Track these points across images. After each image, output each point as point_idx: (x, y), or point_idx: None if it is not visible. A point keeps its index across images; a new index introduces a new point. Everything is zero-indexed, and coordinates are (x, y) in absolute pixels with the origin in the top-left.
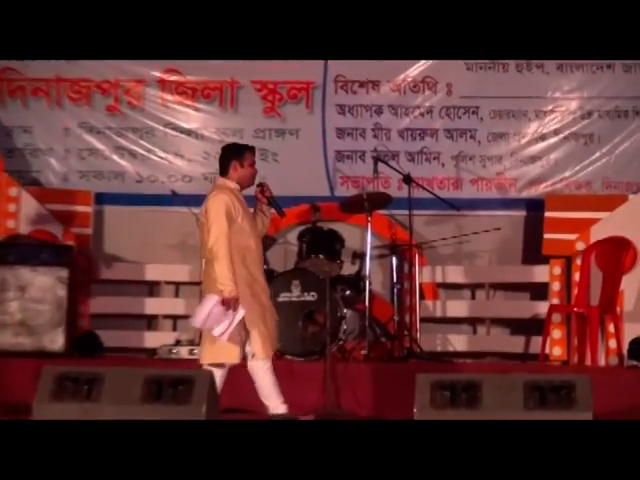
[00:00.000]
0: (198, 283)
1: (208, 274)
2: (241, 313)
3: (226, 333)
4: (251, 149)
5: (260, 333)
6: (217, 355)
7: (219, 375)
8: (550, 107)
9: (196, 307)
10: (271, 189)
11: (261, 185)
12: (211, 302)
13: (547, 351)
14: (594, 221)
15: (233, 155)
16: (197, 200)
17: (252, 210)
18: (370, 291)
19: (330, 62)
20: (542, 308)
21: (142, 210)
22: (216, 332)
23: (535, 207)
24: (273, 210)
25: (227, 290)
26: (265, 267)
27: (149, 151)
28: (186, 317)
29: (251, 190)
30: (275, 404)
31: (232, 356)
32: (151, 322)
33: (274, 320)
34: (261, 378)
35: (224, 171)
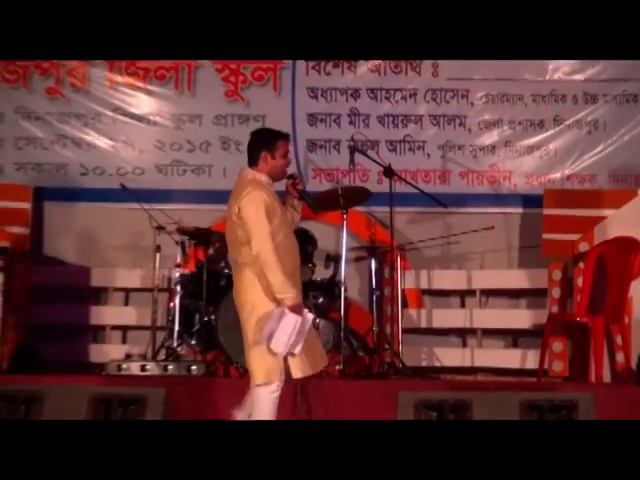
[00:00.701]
0: (150, 289)
1: (240, 280)
2: (309, 318)
3: (299, 346)
4: (285, 137)
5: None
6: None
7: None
8: (549, 91)
9: (265, 327)
10: (303, 180)
11: (292, 177)
12: (282, 319)
13: (546, 366)
14: (599, 219)
15: (263, 145)
16: (150, 194)
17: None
18: (346, 298)
19: None
20: (541, 317)
21: (87, 207)
22: (297, 350)
23: (532, 203)
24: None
25: (289, 297)
26: (227, 271)
27: (95, 139)
28: (138, 328)
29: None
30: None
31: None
32: (98, 334)
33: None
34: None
35: (253, 162)
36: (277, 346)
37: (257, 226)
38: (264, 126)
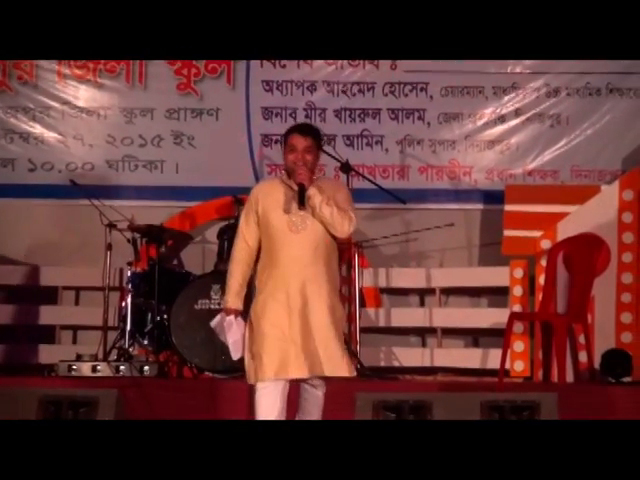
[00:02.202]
0: (101, 288)
1: None
2: (239, 325)
3: (238, 352)
4: (292, 130)
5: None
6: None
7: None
8: (510, 84)
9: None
10: (308, 176)
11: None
12: (224, 324)
13: (508, 366)
14: (561, 216)
15: (283, 140)
16: (100, 191)
17: None
18: None
19: None
20: (502, 316)
21: (36, 204)
22: (235, 355)
23: (493, 199)
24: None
25: (224, 301)
26: (179, 270)
27: (44, 134)
28: (89, 328)
29: None
30: None
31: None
32: (47, 334)
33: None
34: None
35: None
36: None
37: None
38: (218, 121)
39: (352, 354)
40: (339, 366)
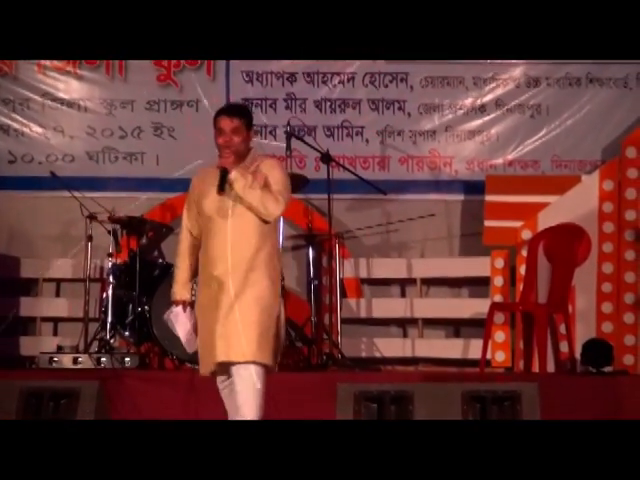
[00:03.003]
0: (82, 280)
1: None
2: (188, 316)
3: (192, 344)
4: (218, 112)
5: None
6: None
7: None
8: (490, 74)
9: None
10: (224, 161)
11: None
12: (170, 315)
13: (489, 356)
14: (542, 206)
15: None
16: (81, 182)
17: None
18: (283, 287)
19: None
20: (483, 306)
21: (16, 195)
22: (189, 350)
23: (474, 190)
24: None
25: (171, 294)
26: (160, 261)
27: (24, 126)
28: (69, 319)
29: None
30: None
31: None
32: (28, 326)
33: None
34: None
35: None
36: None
37: None
38: (198, 112)
39: (333, 345)
40: (253, 352)
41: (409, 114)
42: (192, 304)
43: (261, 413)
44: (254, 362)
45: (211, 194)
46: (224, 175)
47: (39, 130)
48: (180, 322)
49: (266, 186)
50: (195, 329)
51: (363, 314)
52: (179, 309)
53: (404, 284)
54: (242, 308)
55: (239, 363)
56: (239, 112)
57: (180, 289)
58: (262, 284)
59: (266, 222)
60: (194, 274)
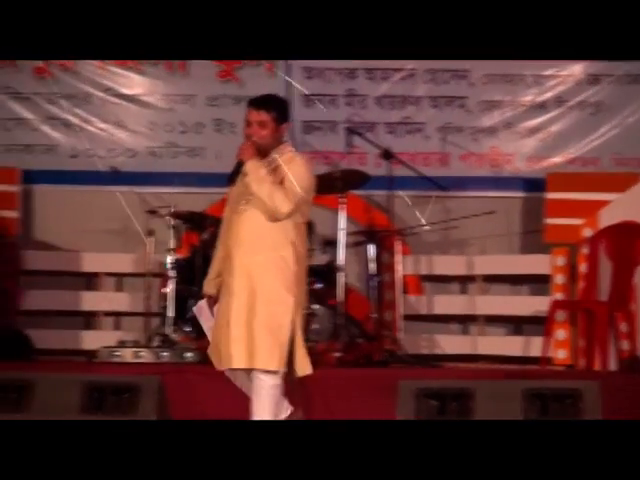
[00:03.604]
0: (143, 275)
1: None
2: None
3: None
4: (247, 104)
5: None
6: None
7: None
8: (551, 71)
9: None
10: (244, 154)
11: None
12: (199, 312)
13: (550, 354)
14: (603, 203)
15: None
16: (142, 178)
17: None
18: (344, 284)
19: None
20: (543, 304)
21: (78, 190)
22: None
23: (535, 187)
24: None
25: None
26: None
27: (85, 121)
28: (130, 314)
29: None
30: None
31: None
32: (89, 320)
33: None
34: None
35: None
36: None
37: None
38: None
39: (394, 341)
40: (262, 358)
41: (470, 111)
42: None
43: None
44: (262, 369)
45: (233, 189)
46: (239, 166)
47: (101, 125)
48: (204, 316)
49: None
50: None
51: (424, 311)
52: (204, 303)
53: (464, 281)
54: (251, 312)
55: (245, 370)
56: (267, 105)
57: (208, 282)
58: (272, 287)
59: (276, 220)
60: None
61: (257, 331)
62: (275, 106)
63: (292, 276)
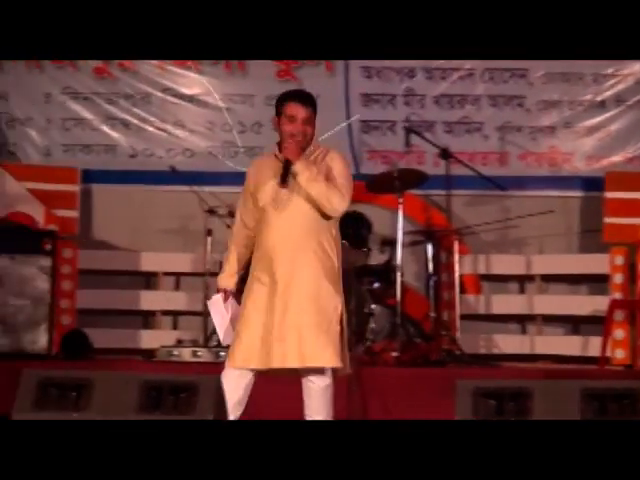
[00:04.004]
0: (201, 274)
1: None
2: (229, 306)
3: (225, 335)
4: (291, 97)
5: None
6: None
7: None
8: (610, 70)
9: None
10: (292, 153)
11: (290, 139)
12: (212, 306)
13: (608, 353)
14: None
15: (276, 109)
16: (200, 177)
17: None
18: (402, 284)
19: None
20: (602, 304)
21: (136, 189)
22: (222, 340)
23: (594, 186)
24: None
25: (217, 280)
26: None
27: (144, 121)
28: (188, 313)
29: None
30: None
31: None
32: (148, 319)
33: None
34: None
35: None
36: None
37: None
38: (317, 107)
39: (452, 341)
40: (315, 355)
41: (528, 110)
42: (234, 295)
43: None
44: (319, 367)
45: (268, 184)
46: (288, 167)
47: (159, 125)
48: (217, 311)
49: (328, 179)
50: (233, 320)
51: (482, 310)
52: (219, 297)
53: (523, 280)
54: (297, 310)
55: (302, 368)
56: (312, 101)
57: (225, 277)
58: (317, 283)
59: (328, 217)
60: (243, 266)
61: (308, 329)
62: (315, 102)
63: (337, 273)
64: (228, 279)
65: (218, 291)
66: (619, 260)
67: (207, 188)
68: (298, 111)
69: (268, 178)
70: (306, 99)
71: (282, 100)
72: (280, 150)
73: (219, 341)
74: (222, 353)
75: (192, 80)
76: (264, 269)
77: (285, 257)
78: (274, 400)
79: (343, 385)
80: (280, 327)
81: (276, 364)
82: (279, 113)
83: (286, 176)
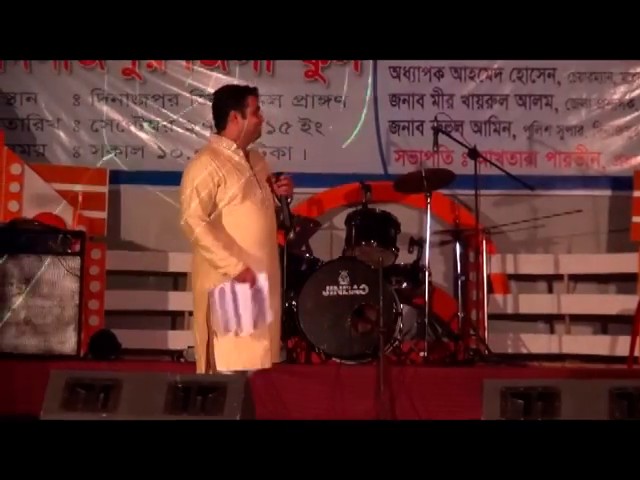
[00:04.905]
0: None
1: (196, 263)
2: (264, 284)
3: (260, 321)
4: (254, 91)
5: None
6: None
7: None
8: (639, 69)
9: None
10: (291, 190)
11: (277, 176)
12: (217, 298)
13: (637, 353)
14: None
15: (231, 103)
16: None
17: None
18: (430, 283)
19: None
20: (631, 303)
21: (165, 190)
22: (244, 330)
23: (622, 185)
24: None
25: (230, 267)
26: (308, 256)
27: (172, 122)
28: None
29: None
30: None
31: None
32: (176, 320)
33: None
34: None
35: (221, 125)
36: (219, 331)
37: (185, 201)
38: (345, 108)
39: (480, 340)
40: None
41: (556, 109)
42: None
43: None
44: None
45: (242, 181)
46: (288, 203)
47: (187, 126)
48: (226, 301)
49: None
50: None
51: (510, 310)
52: (227, 286)
53: (551, 280)
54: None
55: None
56: None
57: (239, 263)
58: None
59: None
60: None
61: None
62: None
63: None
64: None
65: (243, 278)
66: None
67: None
68: (259, 104)
69: (239, 172)
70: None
71: (244, 94)
72: (238, 145)
73: None
74: None
75: (220, 81)
76: (255, 262)
77: (275, 253)
78: (303, 400)
79: (370, 385)
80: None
81: (276, 359)
82: (240, 106)
83: (289, 215)
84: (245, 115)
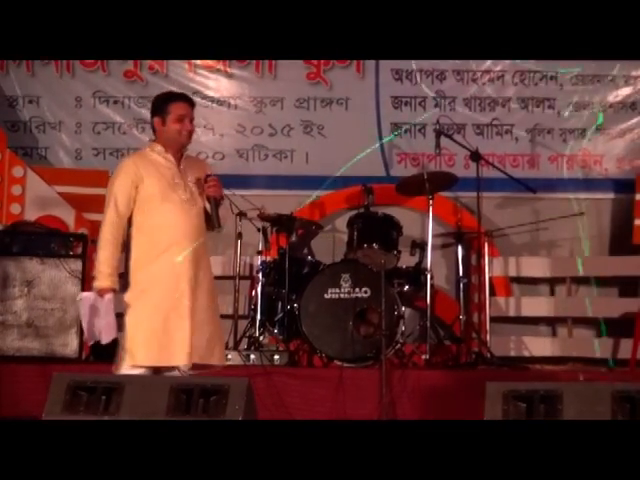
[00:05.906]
0: (232, 277)
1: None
2: (106, 301)
3: (106, 334)
4: (178, 98)
5: (133, 336)
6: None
7: None
8: None
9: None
10: (220, 191)
11: (207, 178)
12: (85, 305)
13: (639, 356)
14: None
15: (154, 111)
16: (230, 180)
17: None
18: (432, 286)
19: None
20: (633, 306)
21: None
22: (103, 339)
23: (624, 188)
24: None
25: (96, 280)
26: (310, 258)
27: None
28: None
29: None
30: None
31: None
32: None
33: (185, 328)
34: None
35: (153, 130)
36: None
37: (106, 200)
38: (347, 110)
39: (482, 343)
40: (211, 354)
41: (559, 112)
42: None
43: None
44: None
45: (164, 182)
46: (217, 206)
47: None
48: (92, 310)
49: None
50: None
51: (512, 313)
52: (92, 296)
53: (553, 283)
54: (216, 310)
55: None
56: (193, 102)
57: (108, 277)
58: (214, 282)
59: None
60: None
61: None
62: (194, 103)
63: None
64: (111, 279)
65: (104, 292)
66: None
67: (237, 191)
68: (187, 111)
69: (160, 173)
70: (191, 100)
71: (167, 100)
72: (167, 150)
73: (249, 344)
74: (252, 356)
75: (221, 83)
76: (160, 264)
77: (200, 254)
78: (305, 403)
79: (373, 388)
80: (212, 326)
81: (205, 360)
82: (163, 112)
83: (217, 215)
84: (165, 122)
